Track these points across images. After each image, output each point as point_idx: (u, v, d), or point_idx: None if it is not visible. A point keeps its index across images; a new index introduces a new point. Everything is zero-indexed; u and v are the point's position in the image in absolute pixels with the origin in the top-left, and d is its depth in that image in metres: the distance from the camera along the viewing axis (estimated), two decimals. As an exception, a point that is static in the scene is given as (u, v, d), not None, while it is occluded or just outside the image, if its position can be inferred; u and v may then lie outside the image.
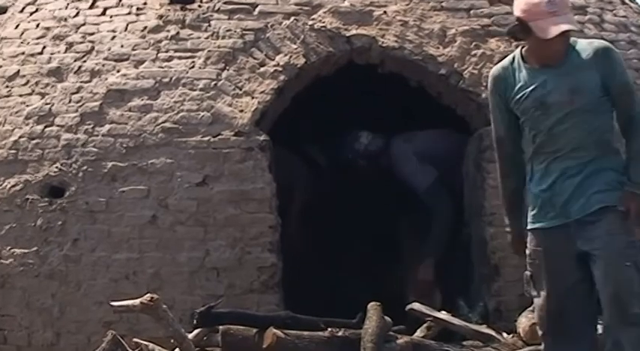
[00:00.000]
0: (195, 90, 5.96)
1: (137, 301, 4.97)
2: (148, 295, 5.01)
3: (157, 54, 6.08)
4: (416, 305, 5.33)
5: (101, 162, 5.88)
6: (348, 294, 6.59)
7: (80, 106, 6.01)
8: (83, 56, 6.15)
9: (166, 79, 6.00)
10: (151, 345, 5.08)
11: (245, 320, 5.13)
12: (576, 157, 3.75)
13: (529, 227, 3.90)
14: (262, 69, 6.02)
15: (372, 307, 5.18)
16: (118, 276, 5.78)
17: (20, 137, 5.98)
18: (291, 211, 6.10)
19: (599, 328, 3.86)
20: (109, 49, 6.14)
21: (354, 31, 6.13)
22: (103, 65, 6.11)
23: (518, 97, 3.82)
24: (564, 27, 3.67)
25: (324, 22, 6.12)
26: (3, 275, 5.85)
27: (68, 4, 6.32)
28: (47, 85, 6.10)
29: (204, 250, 5.77)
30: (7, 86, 6.15)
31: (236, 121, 5.90)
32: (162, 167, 5.82)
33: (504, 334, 5.35)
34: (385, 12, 6.18)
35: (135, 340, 5.17)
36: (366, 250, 7.22)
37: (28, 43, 6.27)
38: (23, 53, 6.23)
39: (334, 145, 6.66)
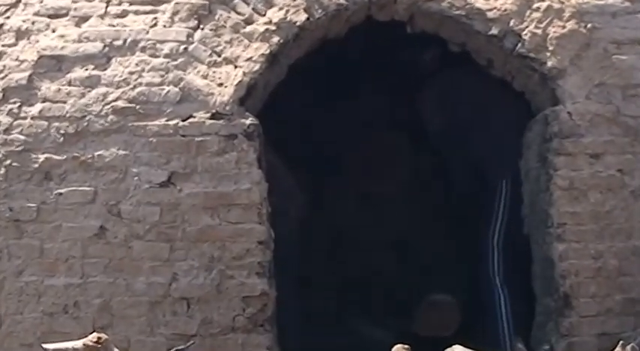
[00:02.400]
0: (158, 56, 5.93)
1: (79, 343, 4.94)
2: (94, 334, 4.97)
3: (106, 8, 6.08)
4: (458, 349, 5.22)
5: (30, 154, 5.84)
6: (366, 333, 6.82)
7: (2, 78, 5.99)
8: (6, 11, 6.16)
9: (119, 42, 5.97)
10: (96, 403, 5.03)
11: (225, 370, 5.26)
12: None
13: None
14: (249, 28, 6.00)
15: (399, 351, 5.19)
16: (53, 308, 5.75)
17: None
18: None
19: None
20: (41, 2, 6.13)
21: (373, -23, 6.17)
22: (33, 23, 6.09)
23: None
24: None
25: (332, -35, 6.15)
26: None
27: (-16, -60, 6.34)
28: (-42, 50, 6.12)
29: (169, 273, 5.74)
30: None
31: (213, 98, 5.86)
32: (113, 161, 5.79)
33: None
34: (415, -49, 6.22)
35: (75, 395, 5.09)
36: (390, 275, 7.42)
37: None
38: None
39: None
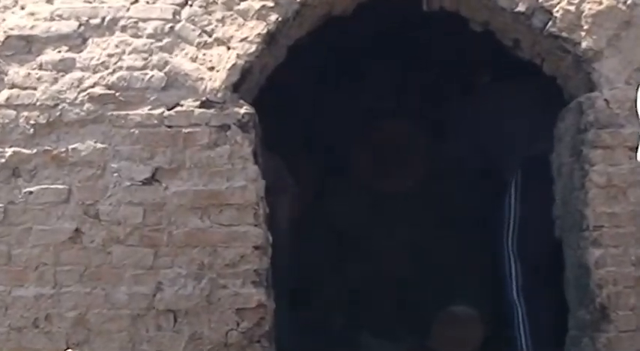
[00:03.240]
0: (140, 37, 5.91)
1: (52, 361, 4.91)
2: (69, 351, 4.95)
3: (82, -18, 5.91)
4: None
5: (-4, 147, 5.74)
6: (374, 347, 6.88)
7: (-36, 62, 5.90)
8: (-32, -14, 6.04)
9: (96, 20, 5.95)
10: None
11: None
12: None
13: None
14: (243, 5, 5.97)
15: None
16: (22, 322, 5.73)
17: None
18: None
19: None
20: (8, -25, 6.05)
21: (383, -54, 6.12)
22: (-1, -1, 5.95)
23: None
24: None
25: None
26: None
27: None
28: None
29: (153, 282, 5.72)
30: None
31: (203, 84, 5.85)
32: (90, 156, 5.77)
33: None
34: None
35: None
36: (402, 282, 7.48)
37: None
38: None
39: None
